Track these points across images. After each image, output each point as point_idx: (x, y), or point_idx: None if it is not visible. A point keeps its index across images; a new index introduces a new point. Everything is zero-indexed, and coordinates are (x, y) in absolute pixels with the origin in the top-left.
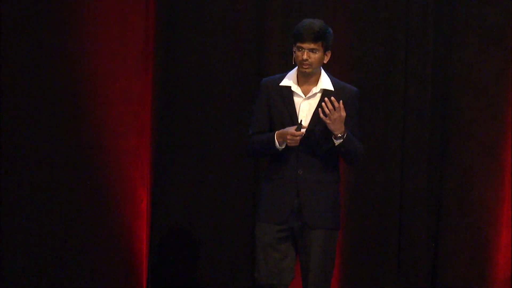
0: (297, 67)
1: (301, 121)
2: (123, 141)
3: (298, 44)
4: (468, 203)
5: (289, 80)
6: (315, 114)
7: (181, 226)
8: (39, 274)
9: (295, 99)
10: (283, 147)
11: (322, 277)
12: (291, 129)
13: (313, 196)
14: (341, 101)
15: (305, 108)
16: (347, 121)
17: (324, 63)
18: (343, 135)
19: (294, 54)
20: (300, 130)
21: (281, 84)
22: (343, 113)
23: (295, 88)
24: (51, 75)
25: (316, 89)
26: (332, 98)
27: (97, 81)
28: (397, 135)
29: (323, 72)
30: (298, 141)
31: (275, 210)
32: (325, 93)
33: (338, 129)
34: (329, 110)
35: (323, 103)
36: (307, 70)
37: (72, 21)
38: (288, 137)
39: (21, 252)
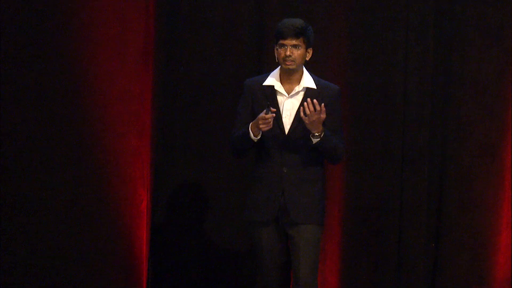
0: (279, 66)
1: (268, 104)
2: (123, 141)
3: (281, 42)
4: (468, 203)
5: (272, 80)
6: (298, 112)
7: (181, 226)
8: (39, 274)
9: (279, 98)
10: (258, 137)
11: (312, 271)
12: (261, 114)
13: (298, 193)
14: (322, 104)
15: (289, 107)
16: (330, 119)
17: (306, 60)
18: (320, 134)
19: (276, 52)
20: (269, 113)
21: (264, 83)
22: (323, 115)
23: (278, 87)
24: (51, 75)
25: (299, 88)
26: (315, 100)
27: (97, 81)
28: (397, 135)
29: (305, 70)
30: (270, 124)
31: (263, 209)
32: (308, 91)
33: (315, 129)
34: (309, 111)
35: (305, 103)
36: (290, 67)
37: (72, 21)
38: (260, 121)
39: (21, 252)
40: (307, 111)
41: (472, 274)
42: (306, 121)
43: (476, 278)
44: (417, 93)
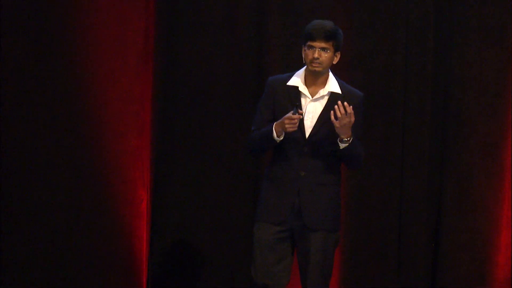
0: (304, 67)
1: (297, 104)
2: (123, 141)
3: (309, 43)
4: (468, 203)
5: (297, 80)
6: (321, 116)
7: (181, 226)
8: (39, 274)
9: (302, 100)
10: (281, 138)
11: (321, 279)
12: (288, 114)
13: (313, 198)
14: (351, 106)
15: (311, 110)
16: (353, 125)
17: (333, 64)
18: (349, 140)
19: (303, 53)
20: (296, 114)
21: (288, 83)
22: (353, 119)
23: (303, 88)
24: (51, 75)
25: (323, 92)
26: (346, 103)
27: (97, 81)
28: (397, 136)
29: (331, 74)
30: (296, 126)
31: (274, 210)
32: (332, 96)
33: (345, 133)
34: (340, 114)
35: (336, 106)
36: (317, 69)
37: (72, 21)
38: (286, 121)
39: (21, 252)
40: (338, 114)
41: (472, 274)
42: (337, 125)
43: (476, 278)
44: (417, 94)
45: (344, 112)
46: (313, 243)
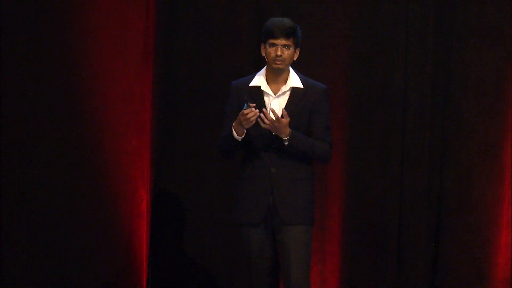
0: (265, 67)
1: (245, 99)
2: (123, 141)
3: (271, 41)
4: (468, 203)
5: (259, 80)
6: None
7: (181, 226)
8: (39, 274)
9: (265, 98)
10: (242, 136)
11: (303, 272)
12: (242, 111)
13: (287, 194)
14: (283, 108)
15: (276, 107)
16: (317, 118)
17: (294, 60)
18: (288, 138)
19: (264, 51)
20: (248, 109)
21: (250, 84)
22: (285, 120)
23: (265, 87)
24: (51, 75)
25: (285, 88)
26: (265, 111)
27: (97, 81)
28: (397, 135)
29: (291, 70)
30: (253, 120)
31: (253, 212)
32: (294, 91)
33: (282, 133)
34: (267, 124)
35: (261, 114)
36: (280, 66)
37: (72, 21)
38: (241, 118)
39: (21, 252)
40: (262, 125)
41: (472, 274)
42: (272, 130)
43: (476, 278)
44: (417, 94)
45: (272, 120)
46: (292, 238)
